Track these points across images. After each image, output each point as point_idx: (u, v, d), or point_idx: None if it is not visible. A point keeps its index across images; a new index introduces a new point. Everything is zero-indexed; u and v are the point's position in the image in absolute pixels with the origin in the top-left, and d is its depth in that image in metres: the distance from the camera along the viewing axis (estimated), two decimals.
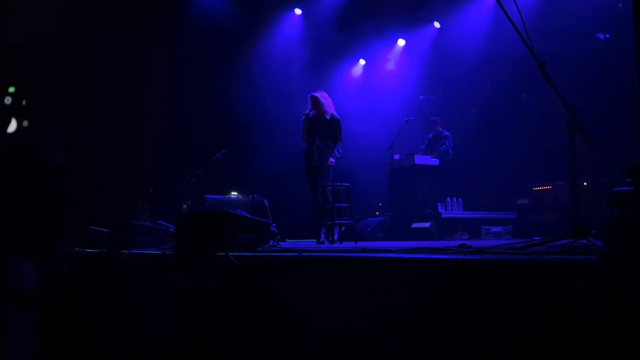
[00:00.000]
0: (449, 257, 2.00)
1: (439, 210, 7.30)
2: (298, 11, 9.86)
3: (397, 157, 7.98)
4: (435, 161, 8.07)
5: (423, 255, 2.13)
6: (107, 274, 3.66)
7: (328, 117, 5.93)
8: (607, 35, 8.03)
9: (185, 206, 6.80)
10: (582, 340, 1.43)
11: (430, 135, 8.62)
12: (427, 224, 7.05)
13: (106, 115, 6.17)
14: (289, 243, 5.59)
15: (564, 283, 1.53)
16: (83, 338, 3.61)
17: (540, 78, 2.49)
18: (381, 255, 2.30)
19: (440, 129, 8.53)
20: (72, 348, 3.54)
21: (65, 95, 5.88)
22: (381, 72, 10.66)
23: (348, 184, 5.69)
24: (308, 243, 6.63)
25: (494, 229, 7.50)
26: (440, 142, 8.39)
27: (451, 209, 7.58)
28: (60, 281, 3.89)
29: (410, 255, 2.17)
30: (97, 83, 6.17)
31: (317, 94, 5.96)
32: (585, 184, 7.32)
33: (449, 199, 7.70)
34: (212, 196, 6.45)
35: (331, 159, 5.85)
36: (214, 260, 2.88)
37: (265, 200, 6.93)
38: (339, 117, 6.05)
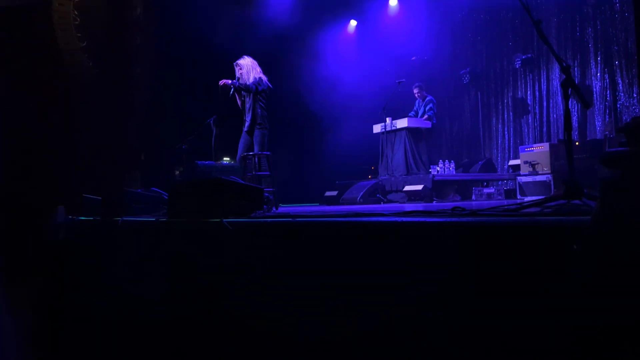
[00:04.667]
0: (443, 220, 2.01)
1: (432, 172, 7.32)
2: None
3: (389, 119, 7.94)
4: (427, 123, 8.06)
5: (417, 219, 2.14)
6: (101, 241, 3.67)
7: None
8: None
9: (177, 172, 6.77)
10: (576, 301, 1.46)
11: (416, 100, 8.57)
12: (420, 187, 7.09)
13: (95, 81, 6.05)
14: (284, 208, 5.61)
15: (558, 244, 1.55)
16: (81, 305, 3.64)
17: (534, 37, 2.46)
18: (374, 219, 2.31)
19: (424, 94, 8.47)
20: (70, 316, 3.56)
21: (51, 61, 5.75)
22: (374, 32, 10.50)
23: (269, 153, 5.58)
24: (304, 208, 6.66)
25: (486, 190, 7.56)
26: (425, 107, 8.35)
27: (443, 171, 7.60)
28: (56, 249, 3.90)
29: (404, 219, 2.18)
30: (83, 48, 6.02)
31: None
32: (577, 143, 7.35)
33: (441, 161, 7.72)
34: (204, 162, 6.42)
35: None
36: (208, 227, 2.88)
37: None
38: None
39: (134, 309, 3.21)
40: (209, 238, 2.88)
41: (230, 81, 5.55)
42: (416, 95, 8.51)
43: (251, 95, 5.59)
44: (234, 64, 5.67)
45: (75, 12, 6.03)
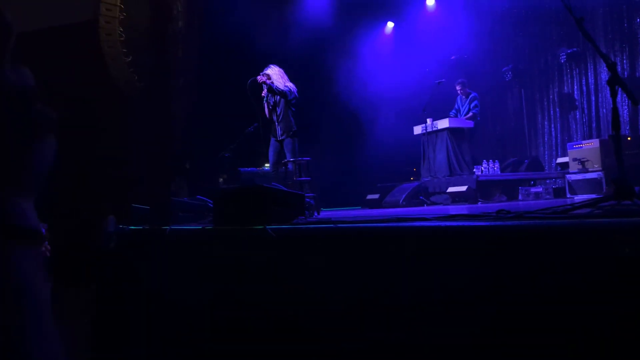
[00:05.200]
0: (487, 224, 1.98)
1: (476, 173, 7.18)
2: None
3: (430, 120, 7.85)
4: (469, 123, 7.92)
5: (460, 223, 2.11)
6: (150, 249, 3.78)
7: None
8: None
9: (221, 180, 6.90)
10: (629, 305, 1.41)
11: (458, 97, 8.42)
12: (464, 188, 6.97)
13: (140, 94, 6.25)
14: (326, 212, 5.63)
15: (609, 247, 1.50)
16: (131, 311, 3.75)
17: (577, 33, 2.39)
18: (417, 224, 2.30)
19: (467, 90, 8.32)
20: (120, 322, 3.68)
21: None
22: (411, 33, 10.41)
23: (309, 158, 5.56)
24: (345, 212, 6.66)
25: (534, 189, 7.36)
26: (469, 104, 8.19)
27: (488, 171, 7.45)
28: (108, 257, 4.04)
29: (447, 223, 2.16)
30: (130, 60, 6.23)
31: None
32: (629, 138, 7.08)
33: (485, 161, 7.57)
34: (246, 169, 6.51)
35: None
36: (252, 234, 2.93)
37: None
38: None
39: (181, 314, 3.29)
40: (253, 244, 2.93)
41: (267, 80, 5.60)
42: (458, 91, 8.37)
43: (281, 103, 5.63)
44: (261, 74, 5.70)
45: (121, 29, 6.26)
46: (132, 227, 4.12)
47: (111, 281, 3.96)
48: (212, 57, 7.45)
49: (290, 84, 5.69)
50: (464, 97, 8.33)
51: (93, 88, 5.70)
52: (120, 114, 5.79)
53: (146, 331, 3.55)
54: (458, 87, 8.34)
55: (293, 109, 5.69)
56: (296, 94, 5.71)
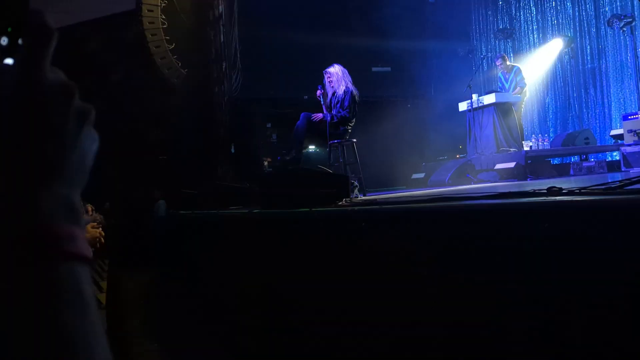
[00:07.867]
0: (539, 200, 1.93)
1: (524, 149, 6.98)
2: None
3: (475, 96, 7.65)
4: (516, 97, 7.67)
5: (510, 201, 2.07)
6: (200, 232, 3.88)
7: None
8: None
9: (265, 163, 6.98)
10: None
11: (500, 74, 8.09)
12: (512, 164, 6.78)
13: (184, 80, 6.36)
14: (372, 194, 5.60)
15: None
16: (183, 292, 3.88)
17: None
18: (464, 202, 2.26)
19: (510, 64, 8.00)
20: (174, 303, 3.81)
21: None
22: (454, 6, 10.10)
23: (354, 140, 5.46)
24: (391, 193, 6.62)
25: (586, 163, 7.10)
26: (515, 77, 7.89)
27: (537, 146, 7.22)
28: (160, 241, 4.18)
29: (496, 201, 2.11)
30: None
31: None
32: None
33: (534, 136, 7.34)
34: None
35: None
36: (298, 216, 2.96)
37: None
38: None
39: (231, 296, 3.38)
40: (299, 227, 2.96)
41: (323, 116, 5.50)
42: (499, 67, 8.05)
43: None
44: (324, 72, 5.62)
45: (163, 16, 6.37)
46: (182, 212, 4.24)
47: (162, 264, 4.10)
48: (252, 40, 7.48)
49: (350, 88, 5.46)
50: (506, 72, 8.02)
51: (140, 76, 5.83)
52: (166, 100, 5.92)
53: (198, 312, 3.66)
54: (498, 63, 7.99)
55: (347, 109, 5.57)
56: (352, 96, 5.46)
